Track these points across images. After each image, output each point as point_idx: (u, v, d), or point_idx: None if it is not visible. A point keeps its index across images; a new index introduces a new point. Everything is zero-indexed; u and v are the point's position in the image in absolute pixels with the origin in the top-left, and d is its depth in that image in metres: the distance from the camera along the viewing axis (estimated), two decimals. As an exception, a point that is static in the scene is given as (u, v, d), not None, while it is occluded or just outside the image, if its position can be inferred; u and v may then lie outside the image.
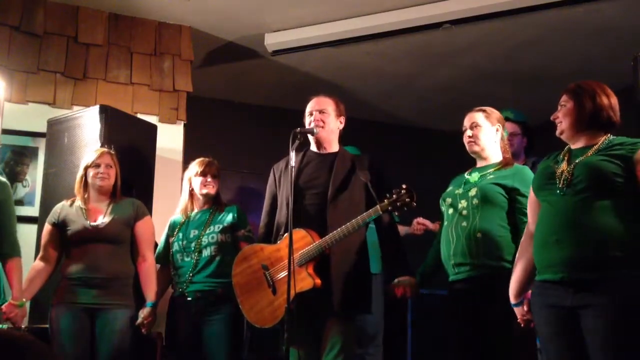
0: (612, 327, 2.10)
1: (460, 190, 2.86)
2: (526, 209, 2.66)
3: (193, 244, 3.30)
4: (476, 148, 2.93)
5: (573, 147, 2.39)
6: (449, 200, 2.90)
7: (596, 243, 2.16)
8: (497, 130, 2.94)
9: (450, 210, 2.88)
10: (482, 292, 2.72)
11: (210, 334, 3.20)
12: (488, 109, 2.99)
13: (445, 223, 2.90)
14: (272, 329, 2.90)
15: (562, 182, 2.27)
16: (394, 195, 2.77)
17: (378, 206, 2.79)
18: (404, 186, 2.78)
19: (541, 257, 2.30)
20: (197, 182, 3.39)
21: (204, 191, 3.39)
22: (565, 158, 2.36)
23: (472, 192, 2.80)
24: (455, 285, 2.83)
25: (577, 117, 2.36)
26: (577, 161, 2.29)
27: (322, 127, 3.05)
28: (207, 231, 3.31)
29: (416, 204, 2.76)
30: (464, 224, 2.78)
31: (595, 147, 2.30)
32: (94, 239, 3.15)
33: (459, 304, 2.82)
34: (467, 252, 2.75)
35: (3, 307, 3.03)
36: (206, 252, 3.27)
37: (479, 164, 2.97)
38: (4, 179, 3.13)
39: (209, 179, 3.39)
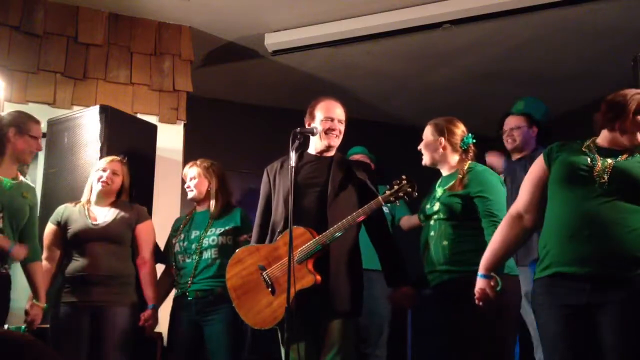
0: (627, 325, 2.10)
1: (429, 206, 2.95)
2: (490, 210, 2.72)
3: (194, 246, 3.29)
4: (423, 163, 3.04)
5: (602, 143, 2.37)
6: (422, 216, 3.01)
7: (629, 242, 2.16)
8: (438, 141, 2.97)
9: (424, 223, 2.98)
10: (451, 295, 2.78)
11: (211, 334, 3.20)
12: (434, 120, 3.06)
13: (421, 234, 3.00)
14: (272, 329, 2.89)
15: (600, 179, 2.25)
16: (395, 186, 2.82)
17: (379, 197, 2.82)
18: (404, 177, 2.83)
19: (564, 250, 2.26)
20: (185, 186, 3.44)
21: (188, 196, 3.43)
22: (595, 154, 2.33)
23: (436, 207, 2.89)
24: (432, 292, 2.90)
25: None
26: (615, 161, 2.28)
27: (338, 137, 3.07)
28: (208, 233, 3.30)
29: (417, 194, 2.82)
30: (432, 233, 2.88)
31: (632, 151, 2.30)
32: (95, 237, 3.17)
33: (433, 309, 2.91)
34: (435, 260, 2.83)
35: (28, 308, 3.07)
36: (207, 255, 3.27)
37: (443, 173, 3.03)
38: (32, 184, 3.17)
39: (187, 185, 3.41)
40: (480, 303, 2.49)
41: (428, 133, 3.03)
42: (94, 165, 3.38)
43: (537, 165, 2.45)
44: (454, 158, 2.98)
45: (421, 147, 3.04)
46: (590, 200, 2.25)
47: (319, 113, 3.07)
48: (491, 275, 2.49)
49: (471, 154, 2.97)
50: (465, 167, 2.90)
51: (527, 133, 3.77)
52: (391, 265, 3.04)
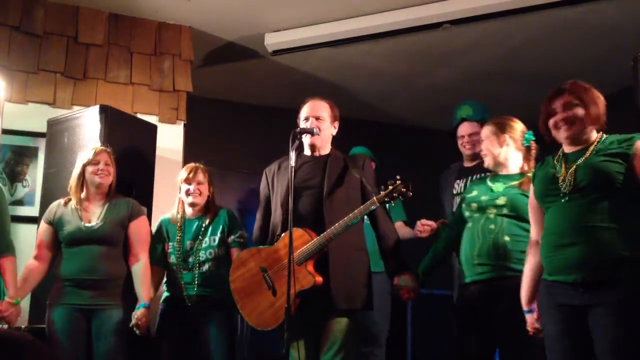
0: (620, 326, 2.12)
1: (487, 198, 2.87)
2: None
3: (191, 259, 3.27)
4: (485, 165, 2.99)
5: (567, 151, 2.40)
6: (474, 205, 2.90)
7: (608, 244, 2.17)
8: (502, 139, 2.94)
9: (477, 215, 2.88)
10: (504, 292, 2.72)
11: (207, 338, 3.20)
12: (492, 120, 3.03)
13: (470, 224, 2.90)
14: (272, 330, 2.89)
15: (566, 186, 2.28)
16: (389, 187, 2.81)
17: (375, 198, 2.82)
18: (398, 177, 2.82)
19: (553, 260, 2.30)
20: (183, 189, 3.37)
21: (189, 200, 3.35)
22: (562, 163, 2.36)
23: (501, 200, 2.82)
24: (474, 286, 2.83)
25: (587, 122, 2.35)
26: (577, 164, 2.30)
27: (318, 134, 3.04)
28: (204, 245, 3.28)
29: (412, 194, 2.80)
30: (492, 226, 2.80)
31: (592, 148, 2.32)
32: (88, 240, 3.13)
33: (476, 304, 2.82)
34: (493, 254, 2.76)
35: None
36: (204, 268, 3.26)
37: (500, 172, 2.97)
38: None
39: (193, 187, 3.33)
40: (540, 336, 2.48)
41: (489, 133, 2.98)
42: (81, 158, 3.26)
43: (531, 192, 2.51)
44: (518, 156, 2.94)
45: (482, 148, 3.00)
46: (565, 208, 2.29)
47: (301, 115, 3.12)
48: (533, 309, 2.50)
49: (533, 152, 2.96)
50: (534, 169, 2.85)
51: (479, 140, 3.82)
52: (393, 256, 3.04)
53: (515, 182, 2.85)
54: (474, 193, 2.95)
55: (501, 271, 2.74)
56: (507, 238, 2.76)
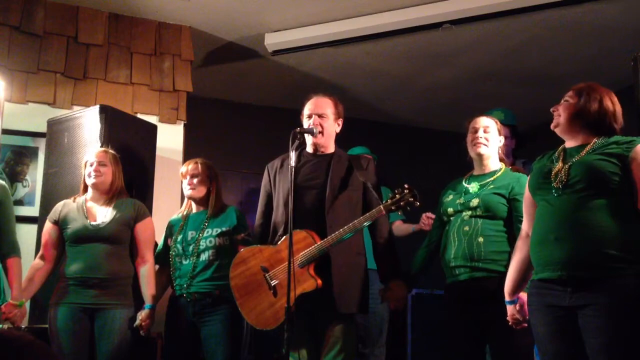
0: (611, 326, 2.11)
1: (462, 200, 2.90)
2: (522, 217, 2.69)
3: (191, 247, 3.27)
4: (485, 150, 2.96)
5: (568, 146, 2.40)
6: (450, 210, 2.94)
7: (594, 242, 2.16)
8: (499, 137, 3.01)
9: (453, 218, 2.93)
10: (481, 294, 2.76)
11: (209, 335, 3.20)
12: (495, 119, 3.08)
13: (447, 228, 2.95)
14: (272, 330, 2.89)
15: (558, 181, 2.28)
16: (397, 195, 2.80)
17: (381, 206, 2.81)
18: (406, 186, 2.80)
19: (539, 255, 2.31)
20: (184, 184, 3.39)
21: (188, 193, 3.37)
22: (560, 157, 2.37)
23: (474, 202, 2.85)
24: (454, 287, 2.88)
25: (577, 113, 2.35)
26: (573, 160, 2.30)
27: (321, 132, 3.03)
28: (205, 234, 3.28)
29: (419, 204, 2.79)
30: (466, 228, 2.84)
31: (590, 145, 2.31)
32: (93, 238, 3.14)
33: (457, 305, 2.86)
34: (468, 255, 2.80)
35: (2, 307, 3.04)
36: (204, 256, 3.25)
37: (477, 171, 3.00)
38: (2, 182, 3.13)
39: (189, 181, 3.34)
40: (518, 327, 2.52)
41: (495, 129, 3.01)
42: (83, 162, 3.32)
43: (527, 185, 2.53)
44: (497, 159, 3.03)
45: (488, 137, 2.97)
46: (554, 203, 2.29)
47: (304, 112, 3.11)
48: (515, 300, 2.52)
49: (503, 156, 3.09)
50: (505, 162, 3.06)
51: (510, 145, 3.82)
52: (386, 262, 3.05)
53: (490, 179, 2.90)
54: (450, 197, 2.98)
55: (474, 272, 2.79)
56: (480, 239, 2.80)
